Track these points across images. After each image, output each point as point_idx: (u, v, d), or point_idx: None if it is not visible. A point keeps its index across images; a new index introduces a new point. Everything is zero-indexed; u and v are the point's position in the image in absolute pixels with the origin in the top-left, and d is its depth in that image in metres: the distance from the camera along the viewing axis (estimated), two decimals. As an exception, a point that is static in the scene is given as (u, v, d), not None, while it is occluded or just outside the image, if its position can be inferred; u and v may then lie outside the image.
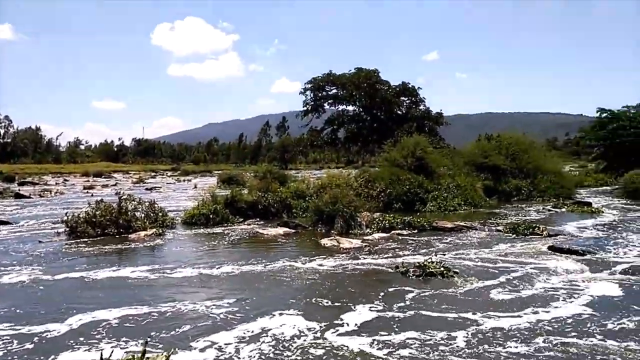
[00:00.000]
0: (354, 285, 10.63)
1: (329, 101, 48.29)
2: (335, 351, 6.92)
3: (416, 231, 17.78)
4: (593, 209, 23.76)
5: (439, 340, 7.27)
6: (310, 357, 6.74)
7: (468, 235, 16.94)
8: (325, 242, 15.61)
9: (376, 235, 16.94)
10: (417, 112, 42.91)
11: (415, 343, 7.19)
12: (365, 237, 16.53)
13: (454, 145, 44.97)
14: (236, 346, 7.11)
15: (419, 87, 44.26)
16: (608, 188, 38.31)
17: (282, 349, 7.03)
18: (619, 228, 18.25)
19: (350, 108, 48.42)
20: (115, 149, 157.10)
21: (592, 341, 7.19)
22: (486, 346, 7.03)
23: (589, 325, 7.90)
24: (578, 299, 9.30)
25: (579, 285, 10.29)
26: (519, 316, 8.34)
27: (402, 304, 9.10)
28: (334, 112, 49.60)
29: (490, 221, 20.10)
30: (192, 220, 19.95)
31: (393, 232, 17.57)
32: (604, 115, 51.05)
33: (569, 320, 8.12)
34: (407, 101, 44.43)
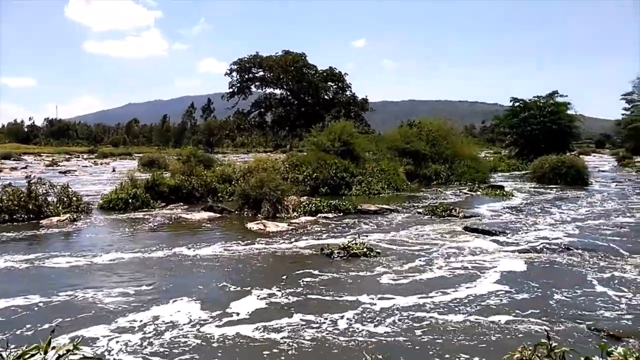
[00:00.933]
0: (274, 268, 10.64)
1: (256, 83, 47.60)
2: (211, 339, 6.62)
3: (342, 214, 18.13)
4: (505, 193, 25.37)
5: (323, 322, 7.25)
6: (182, 346, 6.41)
7: (391, 217, 17.52)
8: (252, 226, 15.50)
9: (303, 219, 17.06)
10: (343, 98, 43.36)
11: (299, 326, 7.10)
12: (292, 221, 16.60)
13: (380, 131, 46.19)
14: (111, 337, 6.65)
15: (345, 73, 44.76)
16: (519, 173, 41.02)
17: (156, 339, 6.64)
18: (527, 210, 19.67)
19: (278, 91, 48.18)
20: (26, 129, 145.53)
21: (496, 318, 7.71)
22: (370, 326, 7.21)
23: (495, 300, 8.46)
24: (488, 277, 9.92)
25: (489, 263, 10.98)
26: (426, 295, 8.76)
27: (312, 287, 9.12)
28: (261, 95, 49.04)
29: (411, 204, 20.91)
30: (110, 205, 19.02)
31: (319, 215, 17.79)
32: (517, 104, 54.64)
33: (476, 297, 8.63)
34: (334, 86, 44.76)
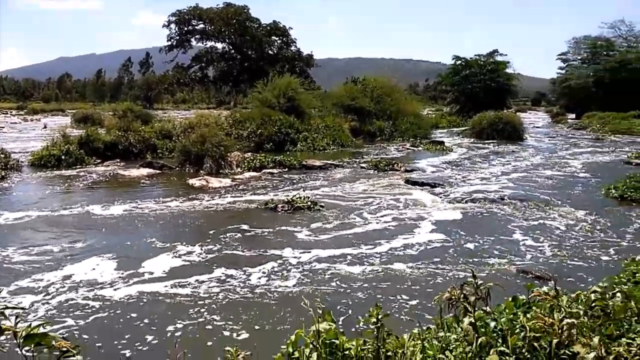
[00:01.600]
0: (211, 224, 10.43)
1: (196, 37, 45.45)
2: (111, 299, 6.44)
3: (286, 170, 18.08)
4: (445, 148, 26.11)
5: (240, 276, 7.24)
6: (79, 308, 6.17)
7: (335, 172, 17.65)
8: (194, 182, 15.17)
9: (247, 175, 16.88)
10: (288, 53, 42.30)
11: (218, 281, 7.04)
12: (236, 177, 16.39)
13: (325, 88, 45.83)
14: (9, 298, 6.28)
15: (289, 27, 43.53)
16: (460, 129, 42.18)
17: (55, 298, 6.40)
18: (465, 164, 20.38)
19: (220, 45, 46.27)
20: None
21: (431, 264, 8.02)
22: (300, 277, 7.36)
23: (430, 248, 8.79)
24: (424, 226, 10.26)
25: (427, 214, 11.34)
26: (364, 245, 8.98)
27: (246, 240, 9.07)
28: (202, 48, 46.99)
29: (355, 159, 21.13)
30: (41, 162, 18.00)
31: (264, 171, 17.66)
32: (458, 62, 55.50)
33: (412, 246, 8.93)
34: (279, 41, 43.49)
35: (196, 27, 44.93)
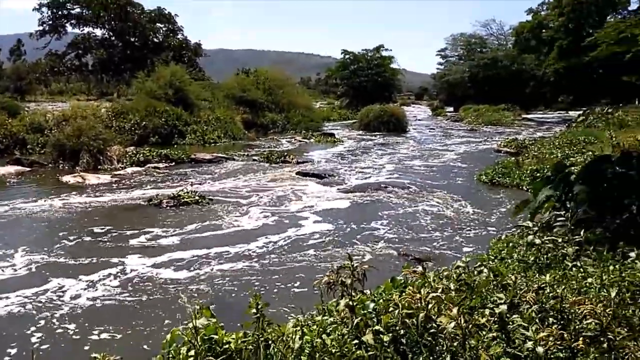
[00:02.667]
0: (76, 225, 9.54)
1: (72, 21, 41.50)
2: None
3: (174, 164, 17.35)
4: (335, 140, 26.76)
5: (107, 276, 6.78)
6: None
7: (226, 165, 17.28)
8: (69, 179, 13.95)
9: (129, 170, 15.91)
10: (174, 42, 40.24)
11: (50, 292, 6.34)
12: (117, 172, 15.38)
13: (217, 79, 44.67)
14: None
15: (175, 15, 41.42)
16: (349, 122, 43.47)
17: None
18: (353, 154, 21.04)
19: (99, 32, 42.70)
20: None
21: (317, 251, 8.14)
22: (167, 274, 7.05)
23: (317, 236, 8.92)
24: (313, 216, 10.40)
25: (317, 204, 11.51)
26: (251, 239, 8.90)
27: (116, 239, 8.48)
28: (79, 34, 43.07)
29: (247, 152, 20.86)
30: None
31: (149, 165, 16.76)
32: (347, 57, 57.18)
33: (300, 235, 9.02)
34: (164, 29, 41.20)
35: (71, 11, 41.09)
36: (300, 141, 26.54)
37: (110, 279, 6.73)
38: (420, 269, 4.49)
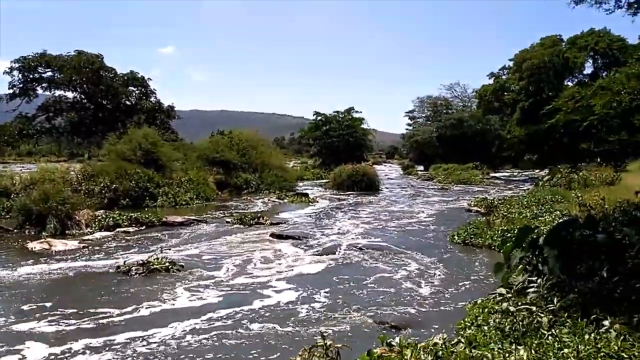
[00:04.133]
0: (42, 295, 9.10)
1: (43, 85, 41.48)
2: None
3: (144, 228, 16.96)
4: (309, 200, 26.84)
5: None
6: None
7: (199, 228, 17.00)
8: (34, 245, 13.43)
9: (98, 235, 15.47)
10: (147, 104, 40.55)
11: None
12: (85, 238, 14.92)
13: (190, 140, 44.90)
14: None
15: (149, 78, 42.07)
16: (323, 181, 43.88)
17: None
18: (327, 215, 21.04)
19: (70, 94, 42.69)
20: None
21: (288, 324, 7.93)
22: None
23: (289, 306, 8.71)
24: (287, 282, 10.17)
25: (291, 268, 11.32)
26: (219, 309, 8.64)
27: (73, 316, 7.93)
28: (50, 97, 42.95)
29: (220, 214, 20.64)
30: None
31: (118, 230, 16.35)
32: (319, 118, 58.67)
33: (271, 306, 8.78)
34: (137, 92, 41.61)
35: (43, 74, 41.26)
36: (274, 201, 26.49)
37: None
38: (396, 342, 4.41)
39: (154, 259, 11.14)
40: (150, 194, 23.37)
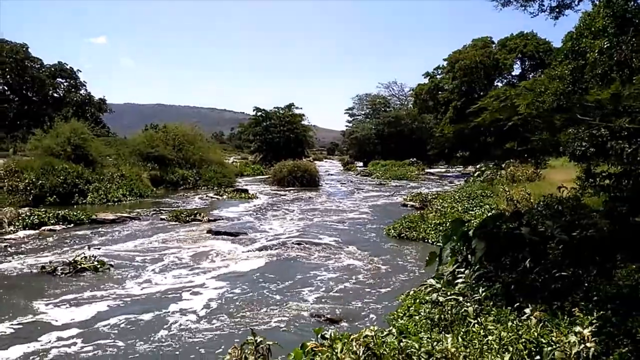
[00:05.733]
0: None
1: (-40, 76, 38.49)
2: None
3: (73, 226, 16.12)
4: (249, 195, 26.54)
5: None
6: None
7: (131, 225, 16.38)
8: (-53, 246, 12.44)
9: (21, 234, 14.54)
10: (77, 97, 38.35)
11: None
12: (7, 237, 13.98)
13: (124, 135, 43.04)
14: None
15: (78, 70, 39.73)
16: (263, 177, 43.55)
17: None
18: (267, 210, 20.90)
19: (-7, 86, 39.87)
20: None
21: (223, 320, 7.82)
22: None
23: (223, 302, 8.59)
24: (221, 278, 10.04)
25: (227, 265, 11.17)
26: (146, 310, 8.40)
27: None
28: (-30, 89, 39.95)
29: (155, 210, 19.98)
30: None
31: (44, 228, 15.43)
32: (259, 113, 58.08)
33: (204, 302, 8.63)
34: (65, 83, 39.23)
35: (-41, 65, 38.18)
36: (212, 198, 25.98)
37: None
38: (330, 335, 4.44)
39: (82, 258, 10.63)
40: (79, 190, 22.24)
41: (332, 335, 4.62)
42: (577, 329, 3.90)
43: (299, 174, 33.92)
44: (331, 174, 50.46)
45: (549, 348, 3.88)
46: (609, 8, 7.36)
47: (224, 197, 26.44)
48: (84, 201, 21.72)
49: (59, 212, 16.99)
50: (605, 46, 7.45)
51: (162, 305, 8.18)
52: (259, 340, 3.01)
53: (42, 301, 8.33)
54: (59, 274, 10.00)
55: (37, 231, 15.03)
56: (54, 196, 21.05)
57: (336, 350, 3.33)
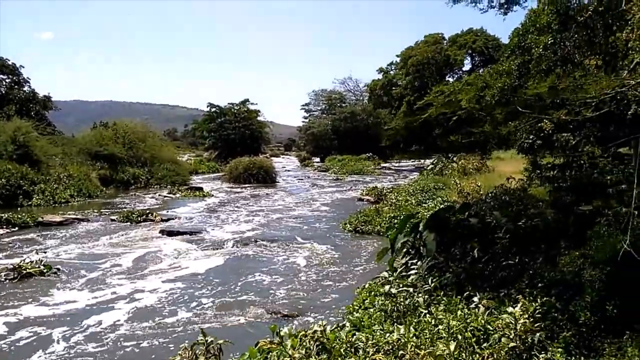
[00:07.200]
0: None
1: None
2: None
3: (17, 229, 15.37)
4: (204, 193, 26.10)
5: None
6: None
7: (80, 227, 15.79)
8: None
9: (-41, 239, 13.74)
10: (20, 94, 36.41)
11: None
12: (-58, 243, 13.18)
13: (73, 133, 41.26)
14: None
15: (21, 66, 37.68)
16: (219, 174, 42.91)
17: None
18: (223, 208, 20.62)
19: None
20: None
21: (172, 321, 7.68)
22: None
23: (175, 303, 8.44)
24: (174, 279, 9.85)
25: (180, 265, 10.96)
26: (93, 314, 8.16)
27: None
28: None
29: (105, 211, 19.34)
30: None
31: (-15, 232, 14.65)
32: (213, 110, 57.22)
33: (153, 305, 8.44)
34: (7, 80, 37.15)
35: None
36: (165, 197, 25.38)
37: None
38: (285, 332, 4.42)
39: (27, 263, 10.16)
40: (24, 192, 21.22)
41: (287, 332, 4.61)
42: (510, 309, 4.05)
43: (255, 171, 33.64)
44: (288, 170, 50.34)
45: (496, 335, 4.01)
46: (553, 5, 7.62)
47: (178, 195, 25.89)
48: (29, 203, 20.76)
49: (2, 215, 16.18)
50: (549, 42, 7.72)
51: (112, 309, 7.94)
52: (209, 340, 2.96)
53: (-18, 309, 7.91)
54: (3, 279, 9.54)
55: (-23, 236, 14.26)
56: (-4, 198, 20.00)
57: (287, 347, 3.33)
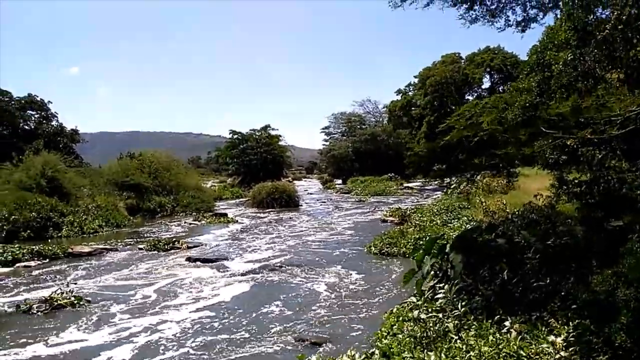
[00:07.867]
0: None
1: None
2: None
3: (48, 261, 15.71)
4: (229, 219, 26.32)
5: None
6: None
7: (109, 257, 16.06)
8: None
9: (-6, 272, 14.11)
10: (49, 129, 37.77)
11: None
12: (-22, 276, 13.54)
13: (100, 164, 42.37)
14: None
15: (49, 101, 39.26)
16: (243, 200, 43.27)
17: None
18: (247, 234, 20.74)
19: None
20: None
21: (205, 352, 7.70)
22: None
23: (205, 332, 8.47)
24: (202, 307, 9.89)
25: (208, 292, 11.02)
26: (126, 344, 8.24)
27: None
28: None
29: (133, 240, 19.65)
30: None
31: (18, 265, 15.01)
32: (235, 136, 58.04)
33: (185, 333, 8.49)
34: (36, 116, 38.66)
35: None
36: (191, 224, 25.67)
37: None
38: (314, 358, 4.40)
39: (58, 294, 10.36)
40: (54, 223, 21.75)
41: (317, 358, 4.59)
42: (551, 338, 3.95)
43: (278, 195, 33.84)
44: (311, 193, 50.46)
45: (529, 360, 3.93)
46: (570, 21, 7.61)
47: (203, 222, 26.16)
48: (59, 234, 21.25)
49: (34, 247, 16.59)
50: (569, 58, 7.69)
51: (143, 339, 8.01)
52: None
53: (18, 341, 8.06)
54: (35, 312, 9.72)
55: (11, 268, 14.63)
56: (28, 231, 20.53)
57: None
